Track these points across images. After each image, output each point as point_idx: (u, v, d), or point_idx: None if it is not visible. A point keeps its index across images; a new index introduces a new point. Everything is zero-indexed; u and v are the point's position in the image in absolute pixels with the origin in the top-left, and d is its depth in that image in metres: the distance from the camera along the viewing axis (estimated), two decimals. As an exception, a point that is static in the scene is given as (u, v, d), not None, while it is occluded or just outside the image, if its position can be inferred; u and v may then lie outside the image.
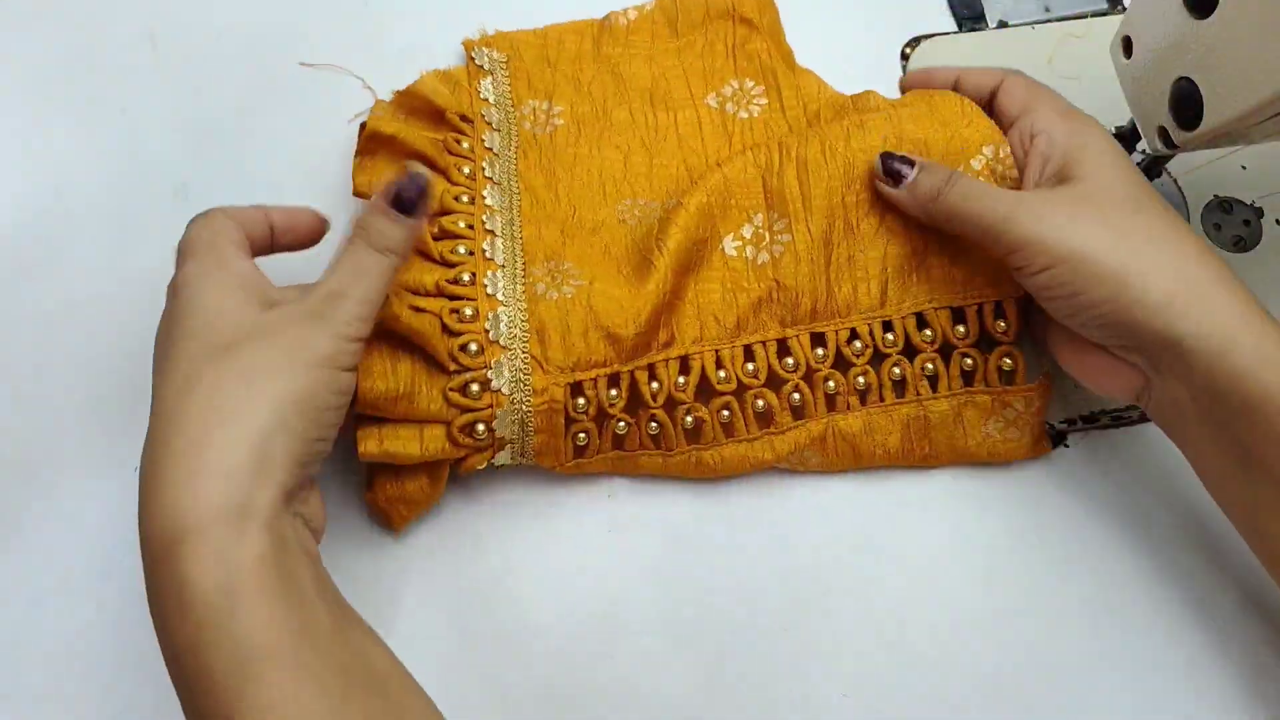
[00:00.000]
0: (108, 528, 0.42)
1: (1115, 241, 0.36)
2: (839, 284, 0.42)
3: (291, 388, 0.32)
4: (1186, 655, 0.41)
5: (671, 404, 0.41)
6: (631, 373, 0.41)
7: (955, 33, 0.53)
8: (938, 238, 0.42)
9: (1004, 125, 0.43)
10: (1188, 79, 0.37)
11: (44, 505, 0.42)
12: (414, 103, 0.46)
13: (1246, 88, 0.34)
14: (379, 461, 0.39)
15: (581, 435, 0.41)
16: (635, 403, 0.41)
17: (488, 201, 0.43)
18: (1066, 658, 0.41)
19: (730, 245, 0.43)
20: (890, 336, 0.42)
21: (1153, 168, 0.46)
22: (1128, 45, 0.41)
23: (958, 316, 0.43)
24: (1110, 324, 0.37)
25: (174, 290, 0.35)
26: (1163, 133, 0.39)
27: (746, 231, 0.43)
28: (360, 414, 0.39)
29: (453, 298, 0.40)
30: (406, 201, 0.36)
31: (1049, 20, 0.53)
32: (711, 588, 0.42)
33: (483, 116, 0.46)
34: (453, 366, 0.39)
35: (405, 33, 0.53)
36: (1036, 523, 0.43)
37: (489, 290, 0.40)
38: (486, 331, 0.39)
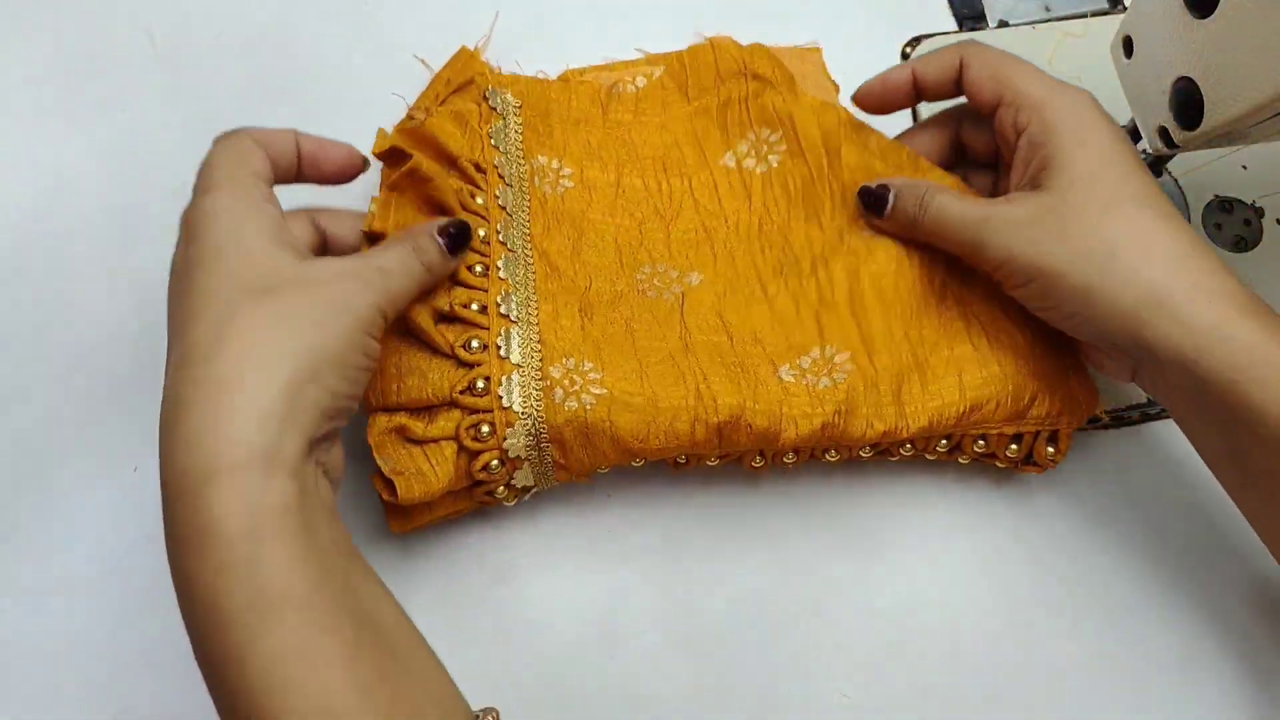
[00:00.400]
0: (108, 528, 0.42)
1: (1077, 260, 0.36)
2: (913, 416, 0.40)
3: (329, 342, 0.32)
4: (1187, 655, 0.41)
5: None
6: None
7: (955, 32, 0.53)
8: (1011, 352, 0.41)
9: (981, 107, 0.41)
10: (1188, 79, 0.37)
11: (44, 505, 0.42)
12: (423, 140, 0.43)
13: (1246, 88, 0.34)
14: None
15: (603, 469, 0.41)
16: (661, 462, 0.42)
17: (501, 274, 0.41)
18: (1066, 658, 0.41)
19: (787, 373, 0.40)
20: (944, 443, 0.42)
21: (1153, 168, 0.46)
22: (1128, 45, 0.41)
23: (1015, 438, 0.41)
24: (1087, 331, 0.37)
25: (194, 223, 0.34)
26: (1163, 133, 0.39)
27: (804, 362, 0.41)
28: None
29: (470, 410, 0.38)
30: (452, 240, 0.38)
31: (1049, 20, 0.53)
32: (711, 588, 0.42)
33: (495, 167, 0.43)
34: (476, 479, 0.39)
35: (405, 33, 0.53)
36: (1036, 522, 0.43)
37: (504, 402, 0.38)
38: (505, 450, 0.38)
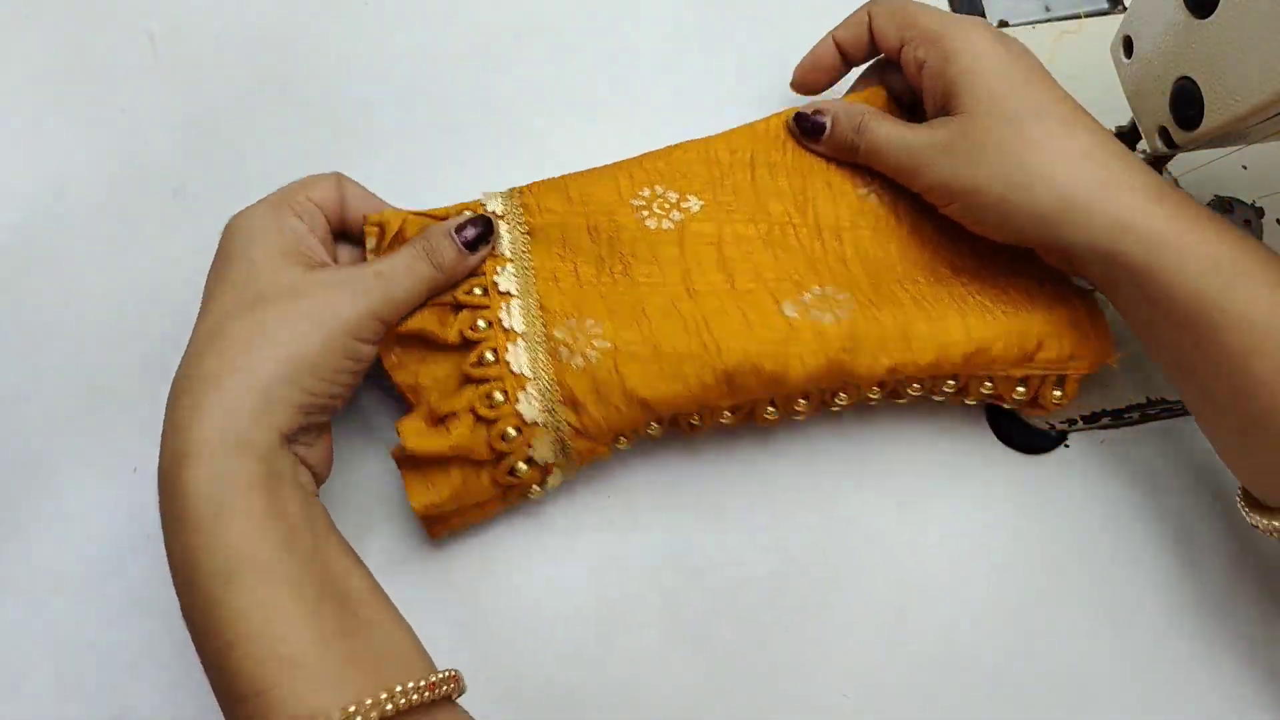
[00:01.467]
0: (108, 528, 0.42)
1: (990, 176, 0.38)
2: (921, 352, 0.40)
3: (308, 349, 0.35)
4: (1187, 653, 0.41)
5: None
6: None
7: (955, 32, 0.53)
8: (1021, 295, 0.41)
9: (889, 53, 0.44)
10: (1188, 79, 0.37)
11: (44, 505, 0.42)
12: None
13: (1246, 88, 0.34)
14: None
15: (622, 441, 0.41)
16: (675, 422, 0.42)
17: (497, 251, 0.41)
18: (1067, 657, 0.41)
19: (790, 309, 0.40)
20: (952, 384, 0.42)
21: (1153, 167, 0.46)
22: (1128, 45, 0.41)
23: (1022, 381, 0.42)
24: (1018, 239, 0.39)
25: (223, 233, 0.38)
26: (1163, 133, 0.39)
27: (807, 298, 0.41)
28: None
29: (479, 381, 0.39)
30: (471, 237, 0.40)
31: (1049, 20, 0.53)
32: (711, 587, 0.42)
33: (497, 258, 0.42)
34: (496, 452, 0.39)
35: (405, 33, 0.53)
36: (1037, 522, 0.43)
37: (514, 368, 0.39)
38: (520, 414, 0.38)
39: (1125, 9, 0.50)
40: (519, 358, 0.39)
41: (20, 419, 0.43)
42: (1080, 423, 0.45)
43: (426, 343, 0.40)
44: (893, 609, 0.42)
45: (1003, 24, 0.53)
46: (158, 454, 0.34)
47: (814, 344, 0.39)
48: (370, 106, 0.51)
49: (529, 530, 0.43)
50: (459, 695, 0.35)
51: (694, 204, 0.43)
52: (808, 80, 0.47)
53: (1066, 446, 0.45)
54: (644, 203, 0.43)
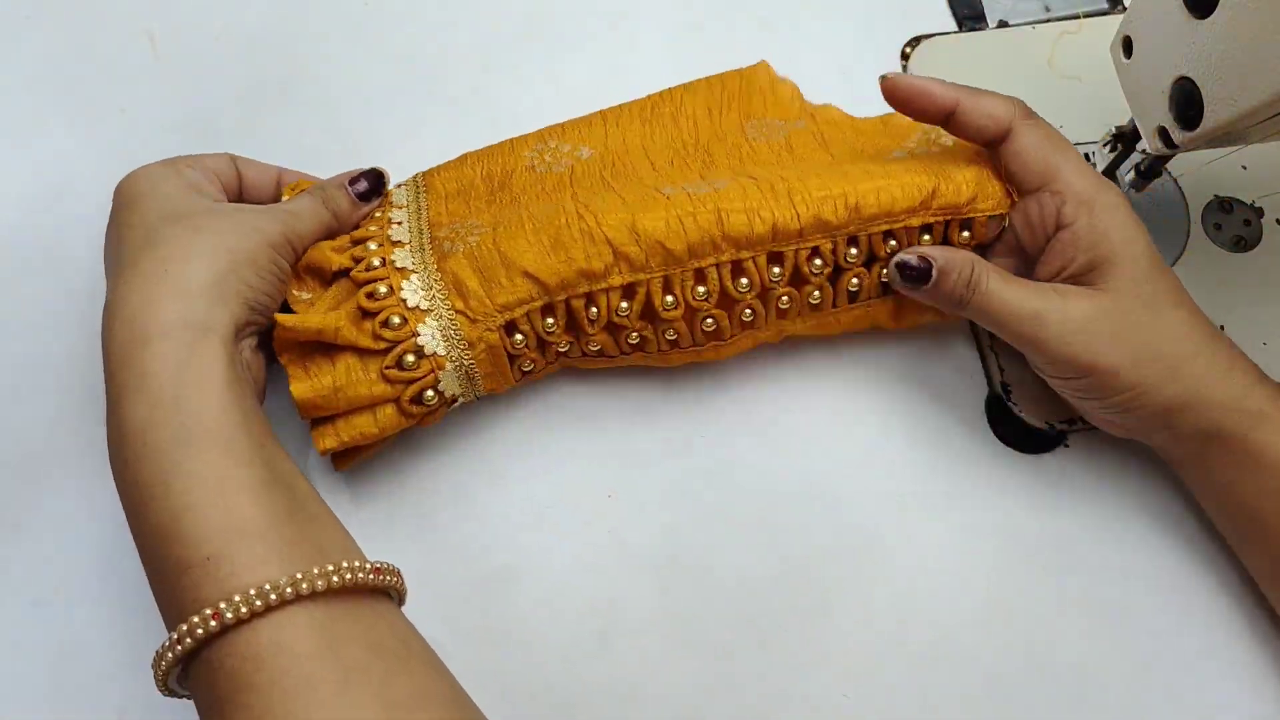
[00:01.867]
0: (108, 528, 0.42)
1: (1129, 360, 0.38)
2: (802, 205, 0.40)
3: (243, 246, 0.37)
4: (1186, 653, 0.41)
5: (614, 328, 0.41)
6: (567, 301, 0.40)
7: (955, 32, 0.53)
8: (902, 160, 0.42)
9: (1019, 183, 0.41)
10: (1188, 79, 0.37)
11: (44, 505, 0.42)
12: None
13: (1246, 88, 0.34)
14: (339, 446, 0.39)
15: (527, 363, 0.41)
16: (575, 326, 0.41)
17: (391, 200, 0.44)
18: (1066, 657, 0.41)
19: (667, 189, 0.40)
20: (854, 251, 0.41)
21: (1153, 168, 0.46)
22: (1128, 45, 0.41)
23: (925, 228, 0.41)
24: (1122, 419, 0.40)
25: (119, 188, 0.40)
26: (1163, 133, 0.39)
27: (687, 187, 0.41)
28: (313, 420, 0.39)
29: (366, 284, 0.39)
30: (363, 189, 0.43)
31: (1049, 20, 0.53)
32: (711, 587, 0.42)
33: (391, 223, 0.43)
34: (381, 345, 0.39)
35: (405, 33, 0.53)
36: (1037, 522, 0.43)
37: (398, 264, 0.40)
38: (404, 301, 0.39)
39: (1125, 9, 0.50)
40: (406, 257, 0.40)
41: (20, 419, 0.43)
42: (1079, 423, 0.45)
43: (321, 277, 0.41)
44: (892, 609, 0.42)
45: (1002, 24, 0.53)
46: (100, 342, 0.35)
47: (688, 205, 0.39)
48: (370, 106, 0.51)
49: (530, 530, 0.43)
50: (401, 599, 0.35)
51: (585, 152, 0.45)
52: (898, 94, 0.41)
53: (1066, 446, 0.45)
54: (536, 155, 0.45)
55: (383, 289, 0.39)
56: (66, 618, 0.41)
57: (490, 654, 0.40)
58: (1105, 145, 0.46)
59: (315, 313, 0.39)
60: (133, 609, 0.41)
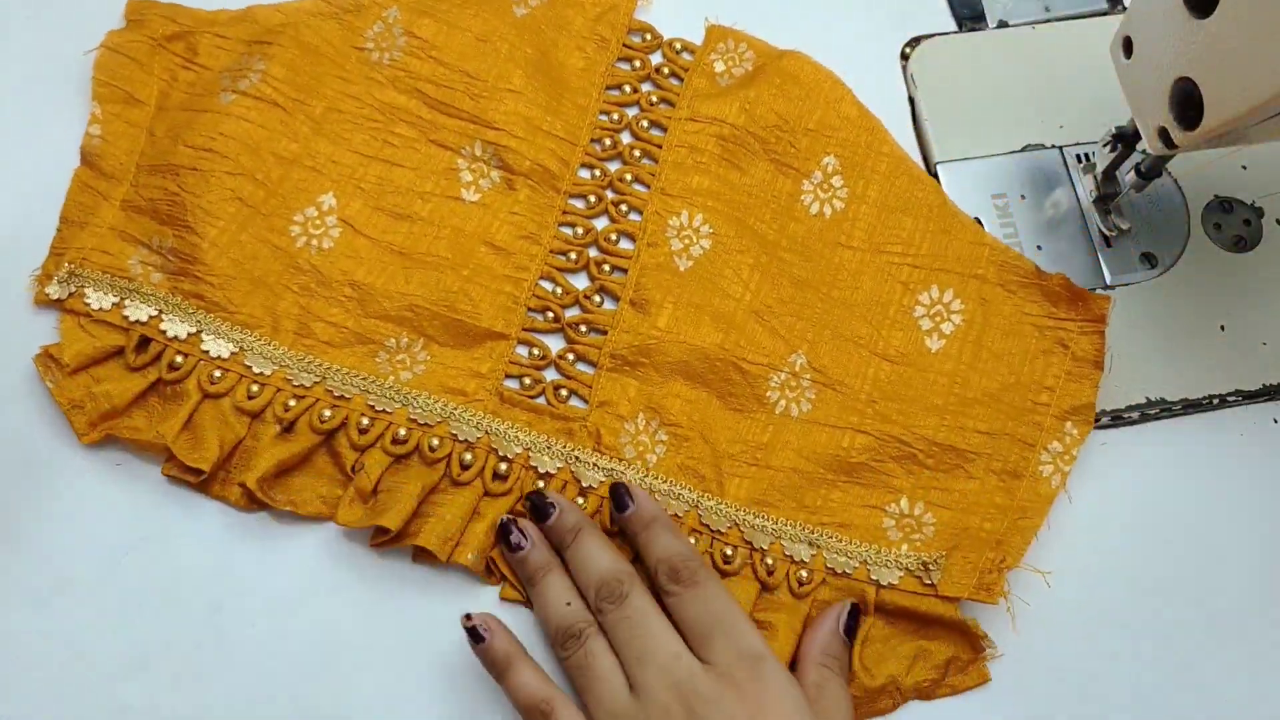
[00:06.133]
0: (107, 528, 0.42)
1: None
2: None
3: None
4: (1186, 653, 0.41)
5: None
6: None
7: (955, 33, 0.53)
8: None
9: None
10: (1188, 79, 0.37)
11: (44, 505, 0.42)
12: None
13: (1246, 88, 0.34)
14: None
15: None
16: None
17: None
18: (1066, 656, 0.41)
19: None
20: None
21: (1153, 168, 0.46)
22: (1128, 45, 0.41)
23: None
24: None
25: None
26: (1163, 133, 0.39)
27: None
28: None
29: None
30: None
31: (1049, 20, 0.53)
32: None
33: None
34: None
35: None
36: (1036, 523, 0.43)
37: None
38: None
39: (1125, 9, 0.50)
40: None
41: (20, 419, 0.43)
42: (1080, 423, 0.45)
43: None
44: (893, 609, 0.42)
45: (1002, 24, 0.53)
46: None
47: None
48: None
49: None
50: None
51: (328, 200, 0.45)
52: None
53: (1066, 446, 0.45)
54: (302, 235, 0.44)
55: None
56: (66, 618, 0.41)
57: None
58: (1105, 145, 0.46)
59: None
60: (133, 609, 0.41)
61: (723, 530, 0.41)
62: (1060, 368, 0.43)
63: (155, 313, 0.43)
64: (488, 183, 0.46)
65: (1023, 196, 0.49)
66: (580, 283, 0.45)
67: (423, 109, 0.47)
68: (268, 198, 0.44)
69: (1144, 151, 0.43)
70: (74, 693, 0.40)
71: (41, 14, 0.50)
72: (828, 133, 0.47)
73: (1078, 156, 0.49)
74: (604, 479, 0.42)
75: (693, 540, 0.41)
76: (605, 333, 0.44)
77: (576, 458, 0.42)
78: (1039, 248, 0.48)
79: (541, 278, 0.45)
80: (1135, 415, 0.45)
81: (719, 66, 0.49)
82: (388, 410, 0.42)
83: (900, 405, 0.43)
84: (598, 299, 0.45)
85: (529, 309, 0.45)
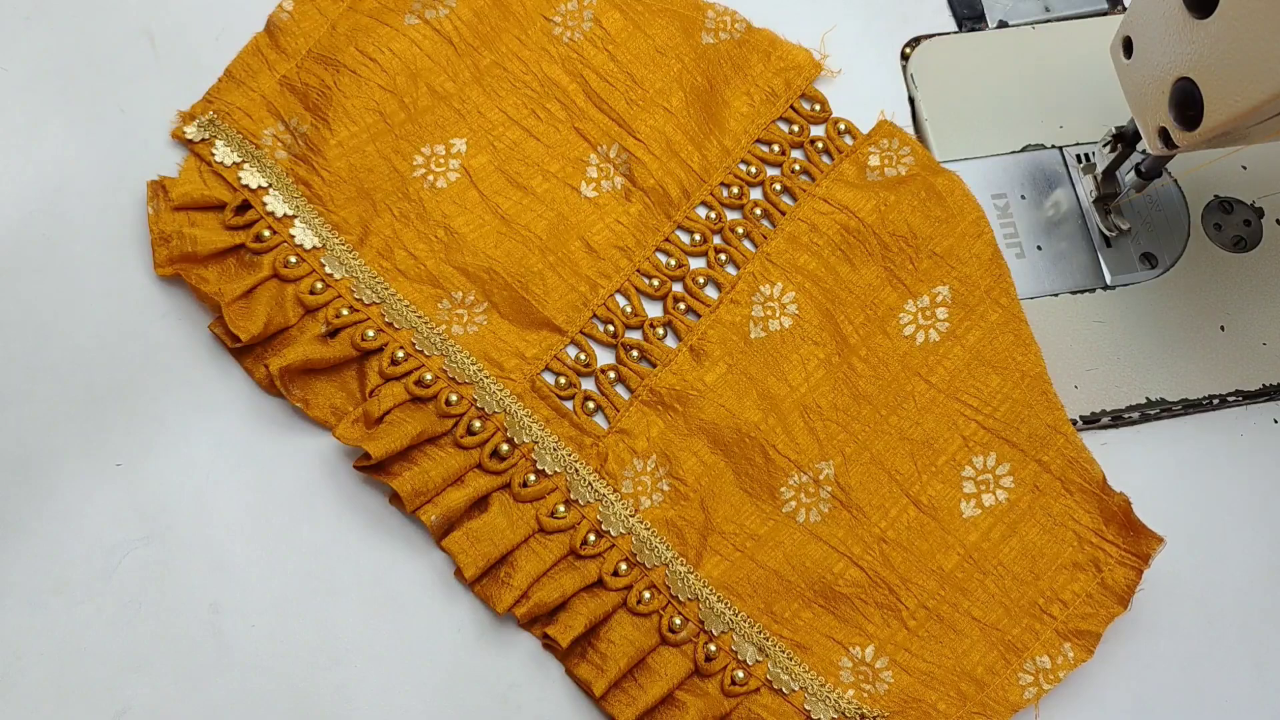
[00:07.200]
0: (108, 528, 0.42)
1: None
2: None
3: None
4: (1185, 652, 0.41)
5: None
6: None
7: (955, 33, 0.52)
8: None
9: None
10: (1188, 79, 0.37)
11: (44, 505, 0.42)
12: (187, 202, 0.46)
13: (1246, 88, 0.34)
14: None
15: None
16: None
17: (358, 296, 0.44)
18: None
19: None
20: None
21: (1153, 168, 0.46)
22: (1128, 45, 0.41)
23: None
24: None
25: None
26: (1163, 133, 0.39)
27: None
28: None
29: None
30: None
31: (1049, 20, 0.53)
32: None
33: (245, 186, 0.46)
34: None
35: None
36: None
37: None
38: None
39: (1125, 9, 0.50)
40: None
41: (20, 419, 0.43)
42: (1079, 423, 0.45)
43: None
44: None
45: (1002, 24, 0.53)
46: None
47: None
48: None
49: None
50: None
51: (459, 145, 0.46)
52: None
53: (1066, 446, 0.45)
54: (422, 167, 0.46)
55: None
56: (66, 618, 0.41)
57: (490, 652, 0.40)
58: (1105, 145, 0.46)
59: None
60: (133, 609, 0.41)
61: (682, 600, 0.40)
62: (1084, 587, 0.41)
63: (266, 185, 0.45)
64: (609, 185, 0.46)
65: (1023, 196, 0.49)
66: (653, 310, 0.45)
67: (579, 95, 0.48)
68: (406, 121, 0.46)
69: (1144, 152, 0.43)
70: (74, 693, 0.40)
71: (41, 14, 0.50)
72: (952, 263, 0.45)
73: (1078, 157, 0.49)
74: (592, 500, 0.42)
75: (647, 595, 0.40)
76: (655, 366, 0.44)
77: (576, 470, 0.42)
78: (1039, 248, 0.48)
79: (619, 291, 0.45)
80: (1135, 415, 0.45)
81: (874, 160, 0.47)
82: (424, 353, 0.43)
83: (908, 555, 0.41)
84: (661, 332, 0.45)
85: (594, 315, 0.45)
